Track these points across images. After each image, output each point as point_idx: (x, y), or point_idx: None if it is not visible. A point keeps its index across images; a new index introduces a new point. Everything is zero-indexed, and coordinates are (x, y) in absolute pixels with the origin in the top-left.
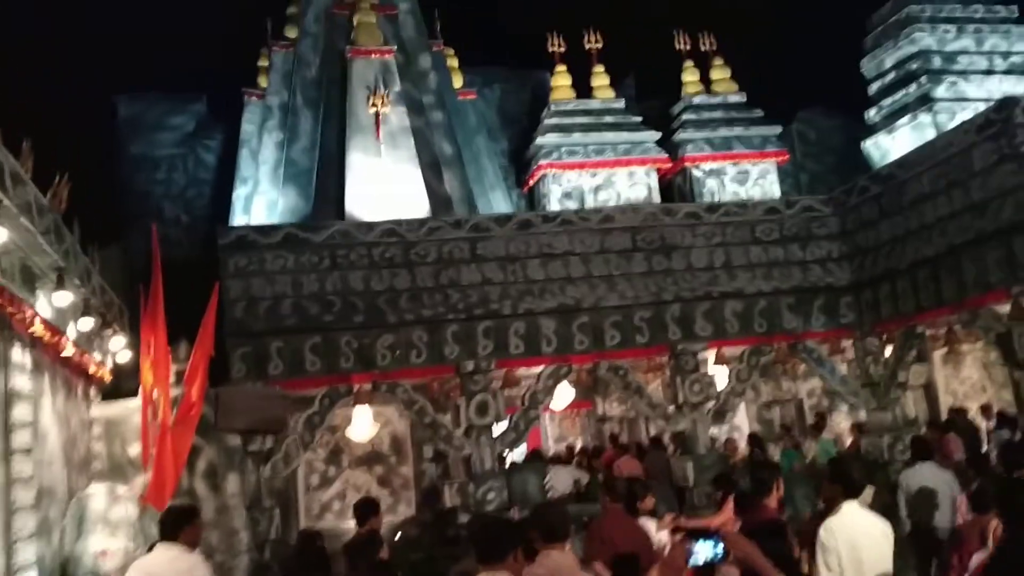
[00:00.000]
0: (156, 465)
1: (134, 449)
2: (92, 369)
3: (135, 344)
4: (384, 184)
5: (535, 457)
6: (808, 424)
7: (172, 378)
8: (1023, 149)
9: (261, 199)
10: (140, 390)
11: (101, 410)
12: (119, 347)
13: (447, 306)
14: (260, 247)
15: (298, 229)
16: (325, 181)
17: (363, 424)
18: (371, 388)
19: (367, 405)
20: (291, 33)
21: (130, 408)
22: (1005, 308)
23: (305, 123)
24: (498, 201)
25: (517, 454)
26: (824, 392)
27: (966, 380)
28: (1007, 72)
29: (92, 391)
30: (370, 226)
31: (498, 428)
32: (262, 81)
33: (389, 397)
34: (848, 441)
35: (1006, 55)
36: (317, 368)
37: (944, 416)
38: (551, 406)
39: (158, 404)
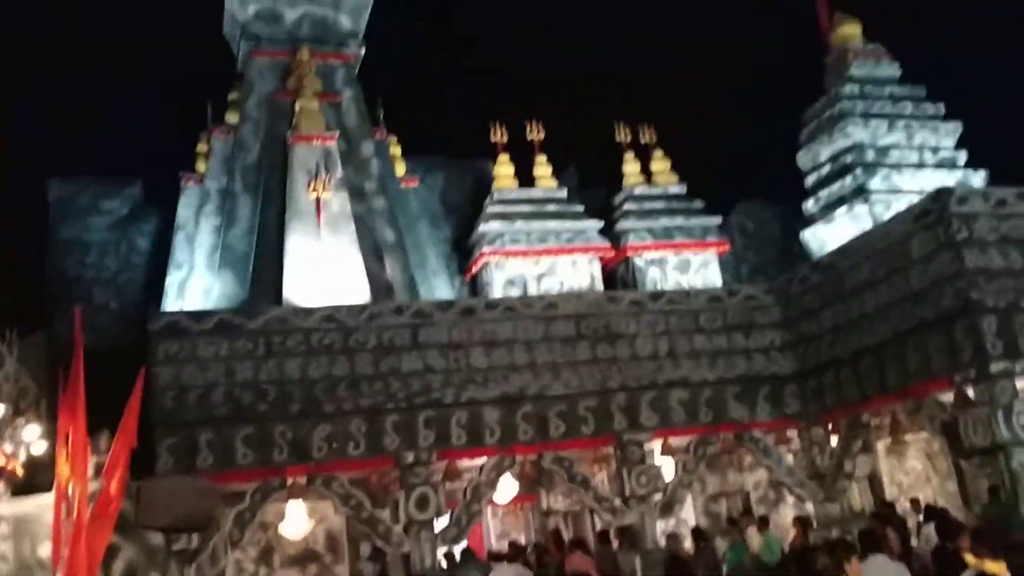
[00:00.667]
0: (68, 566)
1: (45, 549)
2: (1, 461)
3: (53, 435)
4: (324, 270)
5: (470, 555)
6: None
7: (91, 471)
8: (959, 238)
9: (196, 285)
10: (55, 484)
11: (10, 507)
12: (33, 438)
13: (387, 395)
14: (192, 333)
15: (232, 315)
16: (262, 267)
17: (297, 520)
18: (306, 482)
19: (301, 500)
20: (232, 118)
21: (43, 504)
22: (948, 396)
23: (244, 208)
24: (440, 288)
25: (458, 551)
26: (770, 484)
27: (911, 471)
28: (937, 166)
29: (1, 486)
30: (308, 312)
31: (439, 523)
32: (200, 166)
33: (324, 492)
34: (791, 535)
35: (935, 150)
36: (249, 460)
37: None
38: (494, 499)
39: (73, 499)
